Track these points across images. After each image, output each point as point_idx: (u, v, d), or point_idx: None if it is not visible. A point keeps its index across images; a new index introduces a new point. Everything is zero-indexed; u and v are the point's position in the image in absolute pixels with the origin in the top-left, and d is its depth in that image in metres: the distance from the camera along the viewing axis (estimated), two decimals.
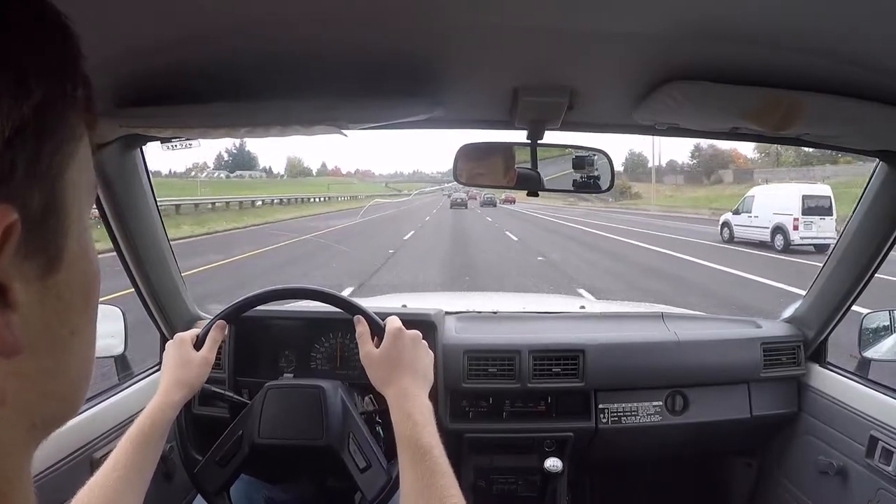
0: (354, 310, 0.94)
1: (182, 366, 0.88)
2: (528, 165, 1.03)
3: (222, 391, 1.08)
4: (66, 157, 0.25)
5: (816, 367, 1.45)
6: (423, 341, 0.85)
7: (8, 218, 0.22)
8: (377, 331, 0.87)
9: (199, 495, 0.95)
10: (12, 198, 0.22)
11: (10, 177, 0.22)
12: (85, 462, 1.00)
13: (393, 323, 0.86)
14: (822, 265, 1.36)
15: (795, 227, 11.72)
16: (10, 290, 0.23)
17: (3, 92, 0.22)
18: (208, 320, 1.02)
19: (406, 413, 0.73)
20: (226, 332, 0.96)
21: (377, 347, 0.83)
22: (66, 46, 0.25)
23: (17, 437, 0.24)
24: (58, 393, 0.26)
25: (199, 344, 0.92)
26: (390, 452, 1.02)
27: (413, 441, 0.69)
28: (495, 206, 39.40)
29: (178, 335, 0.93)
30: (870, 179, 1.16)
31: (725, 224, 14.42)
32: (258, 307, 1.06)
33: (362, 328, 0.87)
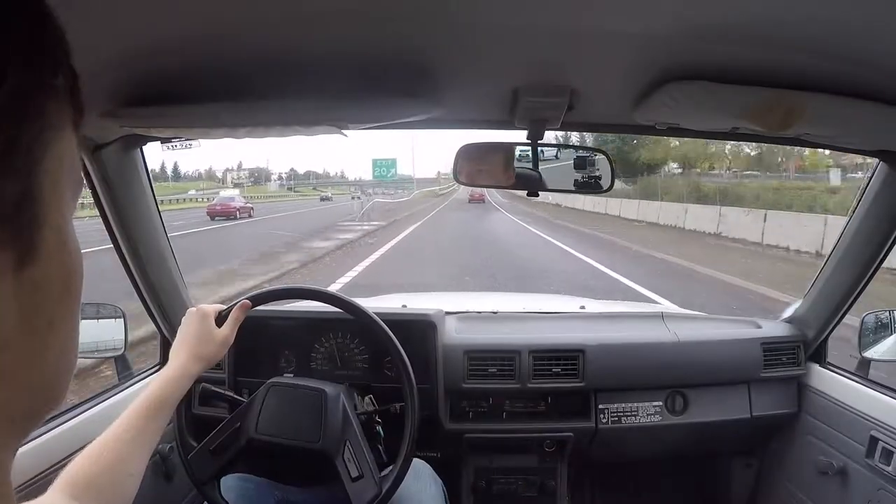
0: (382, 333, 0.97)
1: (203, 340, 0.88)
2: (530, 165, 1.03)
3: (222, 391, 1.08)
4: (43, 147, 0.24)
5: (816, 368, 1.45)
6: None
7: None
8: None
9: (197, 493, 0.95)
10: None
11: None
12: None
13: None
14: (822, 265, 1.36)
15: None
16: None
17: None
18: None
19: None
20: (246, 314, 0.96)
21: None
22: (43, 32, 0.24)
23: None
24: (36, 385, 0.25)
25: (220, 320, 0.92)
26: (390, 451, 1.02)
27: None
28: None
29: (202, 307, 0.92)
30: (870, 179, 1.16)
31: None
32: (258, 307, 1.06)
33: None
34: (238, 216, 23.01)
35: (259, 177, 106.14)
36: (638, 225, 18.44)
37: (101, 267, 1.24)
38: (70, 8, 0.24)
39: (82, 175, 0.28)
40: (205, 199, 37.48)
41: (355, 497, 0.91)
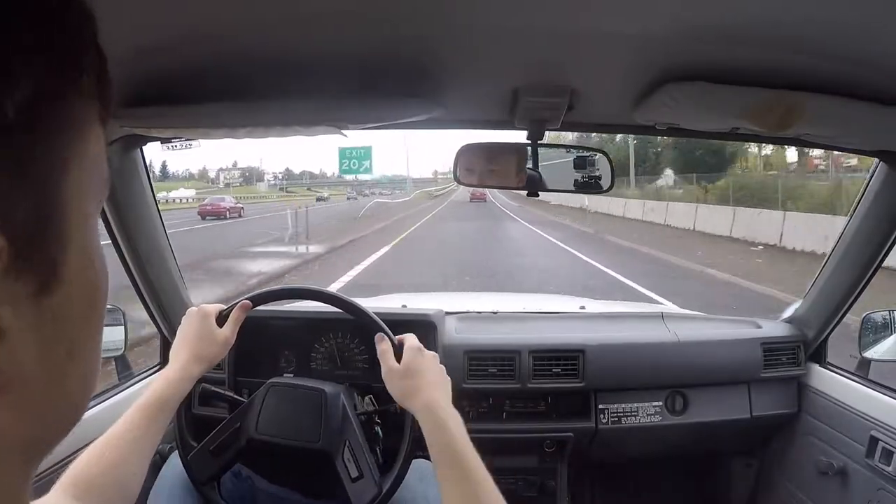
0: (377, 327, 0.94)
1: (204, 341, 0.87)
2: (529, 164, 1.02)
3: (222, 391, 1.08)
4: (68, 157, 0.22)
5: (817, 368, 1.45)
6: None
7: None
8: (398, 350, 0.89)
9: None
10: None
11: None
12: None
13: (412, 339, 0.89)
14: (822, 265, 1.36)
15: None
16: None
17: None
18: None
19: (440, 423, 0.75)
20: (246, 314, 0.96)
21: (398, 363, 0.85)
22: (67, 20, 0.21)
23: (10, 466, 0.22)
24: (56, 415, 0.24)
25: (221, 320, 0.92)
26: (388, 453, 1.02)
27: (452, 452, 0.72)
28: None
29: (202, 306, 0.92)
30: (869, 179, 1.16)
31: None
32: (258, 307, 1.06)
33: (385, 346, 0.88)
34: (228, 216, 23.99)
35: (250, 176, 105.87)
36: (754, 250, 11.75)
37: None
38: None
39: (108, 172, 0.26)
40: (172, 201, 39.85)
41: (355, 497, 0.91)
